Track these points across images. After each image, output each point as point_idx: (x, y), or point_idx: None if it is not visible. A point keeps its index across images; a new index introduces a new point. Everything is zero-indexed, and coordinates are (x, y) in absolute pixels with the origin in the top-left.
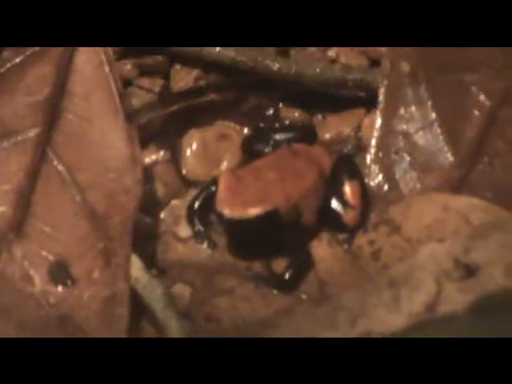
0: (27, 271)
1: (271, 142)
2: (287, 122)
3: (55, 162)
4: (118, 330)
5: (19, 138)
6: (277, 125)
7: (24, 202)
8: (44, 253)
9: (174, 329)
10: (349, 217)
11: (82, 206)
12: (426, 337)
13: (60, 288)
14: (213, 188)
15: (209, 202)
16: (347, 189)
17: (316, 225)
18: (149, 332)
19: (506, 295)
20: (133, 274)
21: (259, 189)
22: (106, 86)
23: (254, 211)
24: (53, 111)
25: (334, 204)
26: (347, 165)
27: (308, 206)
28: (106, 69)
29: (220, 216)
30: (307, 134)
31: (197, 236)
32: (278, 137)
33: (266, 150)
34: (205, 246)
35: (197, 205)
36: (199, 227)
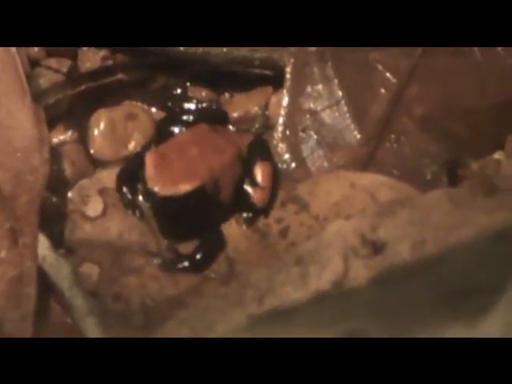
0: None
1: (184, 124)
2: (195, 101)
3: None
4: (26, 309)
5: None
6: (189, 106)
7: None
8: None
9: (81, 307)
10: (258, 197)
11: None
12: (328, 308)
13: None
14: (140, 160)
15: (137, 171)
16: (258, 169)
17: (230, 203)
18: (56, 311)
19: (408, 268)
20: (40, 253)
21: (184, 165)
22: (12, 66)
23: (184, 187)
24: None
25: (245, 183)
26: (260, 146)
27: (227, 181)
28: (13, 49)
29: (151, 194)
30: (218, 116)
31: (126, 205)
32: (190, 118)
33: (178, 131)
34: (137, 214)
35: (125, 175)
36: (128, 196)
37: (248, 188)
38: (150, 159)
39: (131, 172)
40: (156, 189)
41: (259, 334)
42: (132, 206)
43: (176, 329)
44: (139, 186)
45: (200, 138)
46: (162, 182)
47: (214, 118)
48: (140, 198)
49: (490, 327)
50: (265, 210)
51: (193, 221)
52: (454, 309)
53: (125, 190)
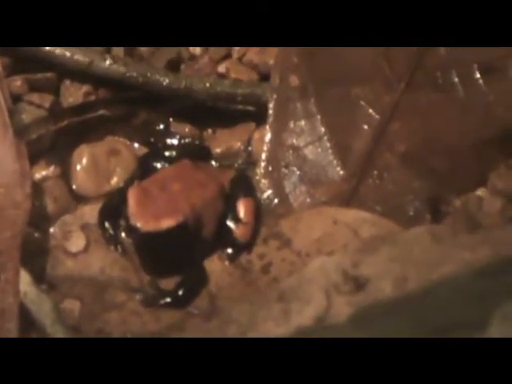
0: None
1: (167, 160)
2: (178, 137)
3: None
4: None
5: None
6: (172, 142)
7: None
8: None
9: None
10: (240, 233)
11: None
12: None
13: None
14: (122, 195)
15: (119, 207)
16: (241, 205)
17: (212, 239)
18: None
19: (390, 304)
20: (21, 288)
21: (167, 200)
22: None
23: (167, 223)
24: None
25: (228, 219)
26: (243, 182)
27: (209, 217)
28: None
29: (134, 229)
30: (201, 152)
31: (108, 241)
32: (172, 154)
33: (161, 166)
34: (119, 250)
35: (108, 210)
36: (111, 232)
37: (230, 224)
38: (132, 195)
39: (113, 208)
40: (138, 224)
41: None
42: (114, 241)
43: None
44: (121, 222)
45: (182, 174)
46: (144, 218)
47: (196, 153)
48: (122, 233)
49: None
50: (247, 246)
51: (175, 256)
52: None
53: (107, 225)
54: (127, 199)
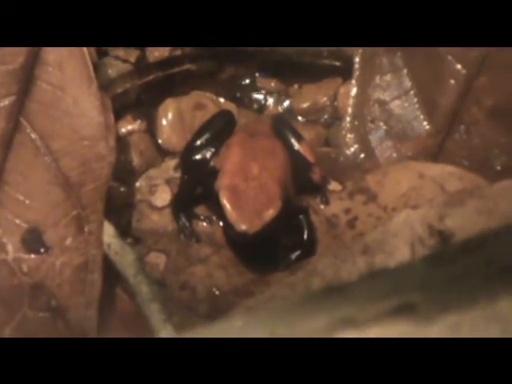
0: (0, 239)
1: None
2: (264, 92)
3: (28, 130)
4: (91, 296)
5: None
6: (259, 97)
7: None
8: (17, 221)
9: (146, 294)
10: (316, 176)
11: (55, 173)
12: (382, 283)
13: (33, 255)
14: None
15: (191, 194)
16: (302, 151)
17: (297, 195)
18: (122, 299)
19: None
20: (105, 240)
21: (257, 190)
22: (79, 54)
23: (269, 214)
24: (27, 80)
25: (299, 169)
26: (288, 128)
27: (290, 178)
28: None
29: (240, 235)
30: (228, 120)
31: (182, 231)
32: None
33: (208, 155)
34: (193, 240)
35: (180, 200)
36: (184, 222)
37: (304, 171)
38: (225, 199)
39: (186, 196)
40: (244, 228)
41: (314, 309)
42: (189, 232)
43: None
44: (198, 212)
45: (250, 150)
46: (247, 220)
47: (227, 123)
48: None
49: None
50: (325, 184)
51: (281, 236)
52: (504, 283)
53: (181, 216)
54: (222, 204)
